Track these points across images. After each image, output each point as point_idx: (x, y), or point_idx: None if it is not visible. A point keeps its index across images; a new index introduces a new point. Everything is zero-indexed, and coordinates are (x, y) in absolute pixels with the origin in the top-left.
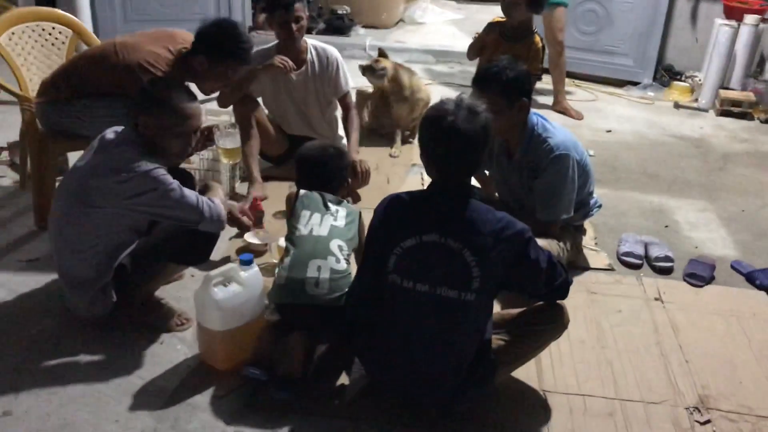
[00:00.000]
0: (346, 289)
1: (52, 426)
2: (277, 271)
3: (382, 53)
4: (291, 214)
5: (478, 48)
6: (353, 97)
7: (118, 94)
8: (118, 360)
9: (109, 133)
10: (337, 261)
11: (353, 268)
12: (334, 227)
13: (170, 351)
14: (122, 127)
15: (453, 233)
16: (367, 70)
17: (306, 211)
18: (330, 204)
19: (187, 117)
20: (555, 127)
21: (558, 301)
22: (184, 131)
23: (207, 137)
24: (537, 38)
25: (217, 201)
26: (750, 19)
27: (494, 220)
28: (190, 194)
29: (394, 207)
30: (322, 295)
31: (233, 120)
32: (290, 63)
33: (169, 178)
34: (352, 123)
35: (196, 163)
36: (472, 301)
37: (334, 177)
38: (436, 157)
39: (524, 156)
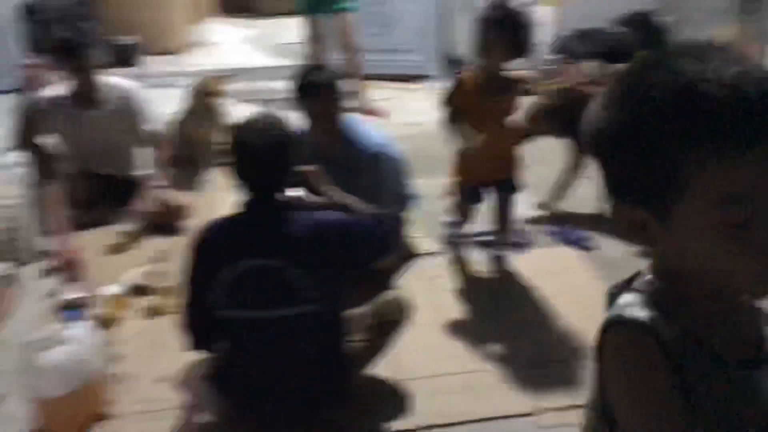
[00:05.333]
0: None
1: None
2: None
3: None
4: None
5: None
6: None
7: None
8: None
9: None
10: None
11: None
12: None
13: None
14: None
15: (272, 253)
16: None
17: None
18: None
19: None
20: (368, 127)
21: (401, 293)
22: None
23: None
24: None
25: None
26: None
27: (310, 225)
28: None
29: (210, 237)
30: None
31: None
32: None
33: None
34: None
35: None
36: (312, 311)
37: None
38: (235, 171)
39: (344, 157)
